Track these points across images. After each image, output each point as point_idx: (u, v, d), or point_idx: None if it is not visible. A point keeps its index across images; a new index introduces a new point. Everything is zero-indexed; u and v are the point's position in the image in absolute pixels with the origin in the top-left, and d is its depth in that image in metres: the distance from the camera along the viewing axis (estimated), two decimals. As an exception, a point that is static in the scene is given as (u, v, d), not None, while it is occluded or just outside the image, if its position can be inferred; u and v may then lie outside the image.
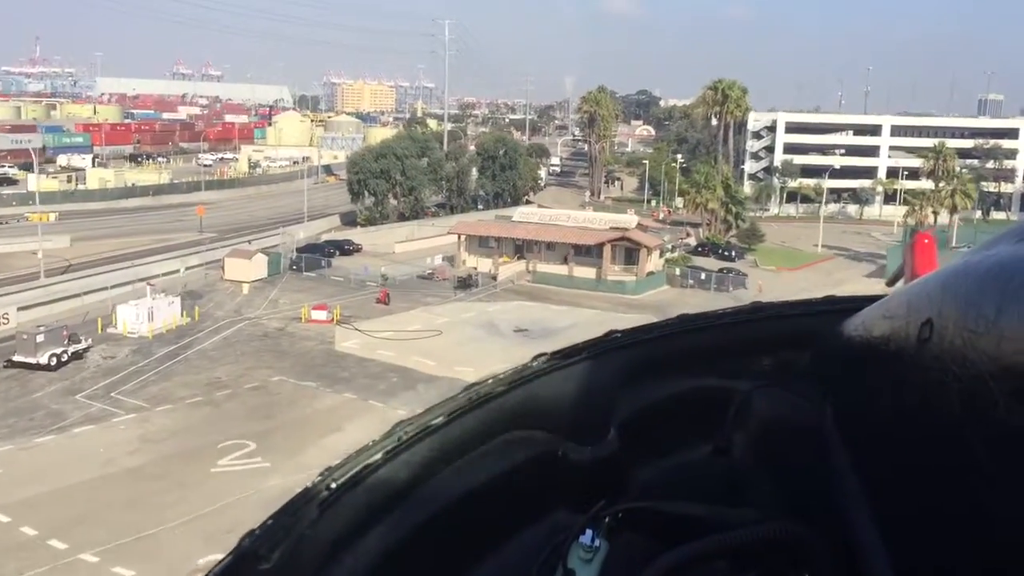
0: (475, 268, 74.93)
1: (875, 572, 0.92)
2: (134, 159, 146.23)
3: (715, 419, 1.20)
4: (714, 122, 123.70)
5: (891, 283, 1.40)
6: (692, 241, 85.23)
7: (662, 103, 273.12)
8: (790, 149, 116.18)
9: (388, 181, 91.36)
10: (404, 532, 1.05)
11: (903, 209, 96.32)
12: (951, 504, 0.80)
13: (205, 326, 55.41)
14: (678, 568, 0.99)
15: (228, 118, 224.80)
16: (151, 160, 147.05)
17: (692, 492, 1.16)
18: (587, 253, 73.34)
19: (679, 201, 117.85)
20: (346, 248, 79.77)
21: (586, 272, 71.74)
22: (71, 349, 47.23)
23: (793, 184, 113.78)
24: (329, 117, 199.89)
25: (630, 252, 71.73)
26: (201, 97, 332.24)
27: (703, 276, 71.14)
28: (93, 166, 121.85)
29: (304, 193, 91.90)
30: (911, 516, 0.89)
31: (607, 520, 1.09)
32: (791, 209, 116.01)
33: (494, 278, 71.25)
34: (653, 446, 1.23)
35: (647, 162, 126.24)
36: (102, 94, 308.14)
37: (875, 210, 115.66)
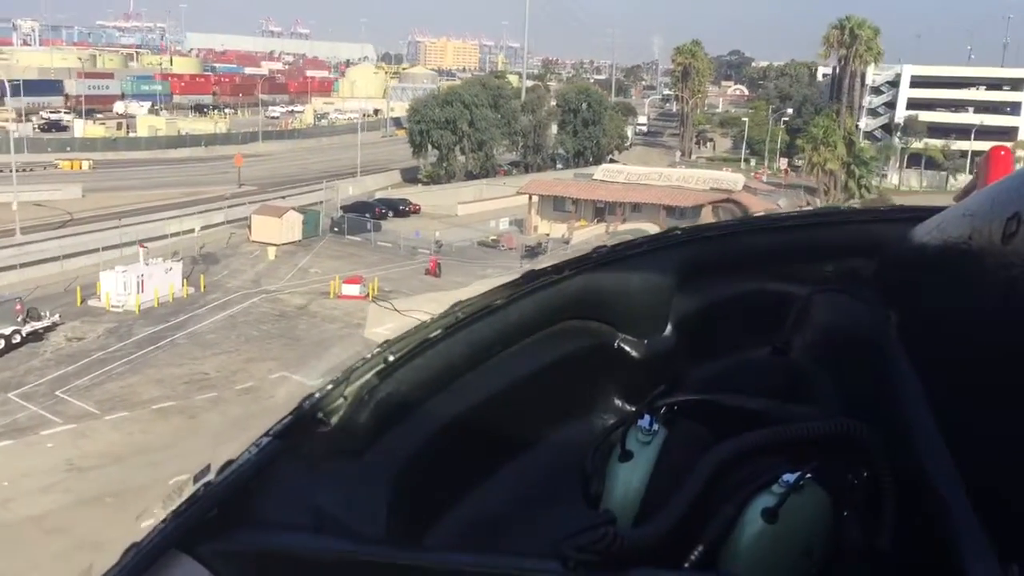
0: (547, 235, 62.37)
1: (934, 472, 0.88)
2: (199, 109, 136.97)
3: (775, 321, 1.17)
4: (829, 70, 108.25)
5: (960, 198, 1.32)
6: (808, 207, 70.95)
7: (754, 64, 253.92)
8: (914, 105, 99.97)
9: (454, 133, 79.01)
10: (460, 408, 1.03)
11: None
12: (1019, 406, 0.75)
13: (210, 300, 44.22)
14: (737, 456, 0.98)
15: (309, 73, 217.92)
16: (218, 111, 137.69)
17: (751, 388, 1.12)
18: (682, 216, 60.08)
19: (782, 162, 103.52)
20: (401, 208, 67.95)
21: (681, 243, 58.70)
22: (26, 328, 36.44)
23: (917, 145, 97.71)
24: (404, 69, 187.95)
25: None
26: (287, 54, 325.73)
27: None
28: (150, 113, 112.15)
29: (365, 146, 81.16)
30: (974, 420, 0.85)
31: (664, 409, 1.07)
32: (913, 179, 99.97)
33: (567, 242, 58.64)
34: (711, 343, 1.20)
35: (746, 119, 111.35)
36: (191, 49, 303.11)
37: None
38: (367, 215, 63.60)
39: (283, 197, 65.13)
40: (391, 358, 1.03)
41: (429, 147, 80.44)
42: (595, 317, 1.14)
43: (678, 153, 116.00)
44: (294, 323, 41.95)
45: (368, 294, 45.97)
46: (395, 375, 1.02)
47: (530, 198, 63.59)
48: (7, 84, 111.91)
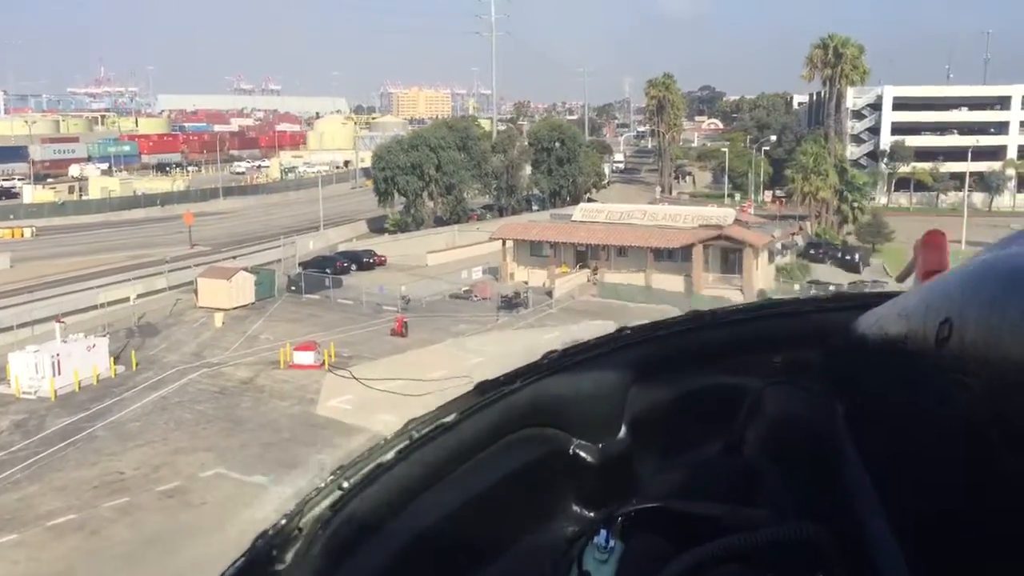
0: (525, 283, 56.90)
1: (889, 572, 0.90)
2: (161, 168, 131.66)
3: (727, 417, 1.19)
4: (805, 98, 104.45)
5: (901, 279, 1.36)
6: (800, 240, 65.72)
7: (726, 98, 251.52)
8: (898, 129, 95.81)
9: (421, 178, 73.73)
10: (418, 532, 1.03)
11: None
12: (966, 505, 0.79)
13: (142, 379, 38.31)
14: (694, 570, 0.98)
15: (280, 127, 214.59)
16: (181, 168, 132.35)
17: (705, 491, 1.14)
18: (671, 258, 54.87)
19: (767, 194, 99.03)
20: (365, 261, 62.36)
21: (671, 282, 53.29)
22: (-90, 427, 30.50)
23: (905, 169, 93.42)
24: (374, 119, 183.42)
25: (729, 255, 53.06)
26: (259, 110, 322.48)
27: (832, 292, 51.80)
28: (104, 175, 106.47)
29: (332, 199, 75.85)
30: (925, 516, 0.87)
31: (620, 520, 1.07)
32: (901, 199, 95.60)
33: (549, 294, 53.21)
34: (665, 444, 1.22)
35: (726, 150, 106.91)
36: (162, 111, 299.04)
37: (1006, 199, 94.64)
38: (328, 270, 57.96)
39: (234, 257, 59.38)
40: (345, 485, 0.99)
41: (395, 194, 75.09)
42: (549, 424, 1.14)
43: (658, 189, 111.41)
44: (236, 401, 36.08)
45: (323, 362, 40.27)
46: (350, 504, 0.98)
47: (504, 243, 58.21)
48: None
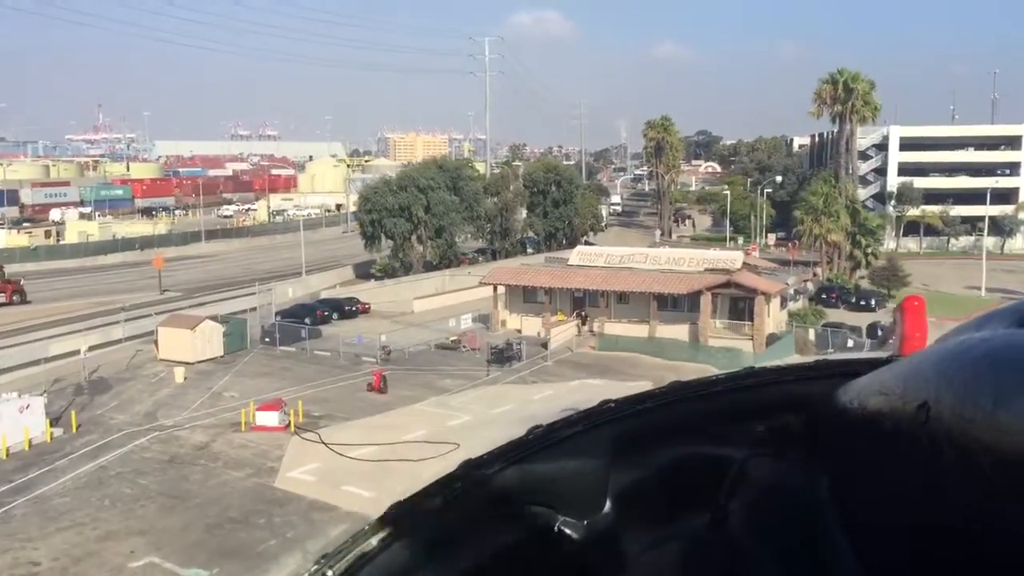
0: (518, 331, 52.50)
1: None
2: (147, 212, 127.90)
3: (712, 489, 1.19)
4: (806, 140, 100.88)
5: (882, 343, 1.37)
6: (811, 285, 61.41)
7: (723, 142, 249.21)
8: (905, 171, 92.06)
9: (409, 220, 69.54)
10: None
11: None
12: None
13: (81, 444, 33.67)
14: None
15: (275, 171, 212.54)
16: (167, 212, 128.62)
17: (691, 567, 1.15)
18: (675, 306, 50.53)
19: (770, 238, 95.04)
20: (347, 308, 57.98)
21: (676, 332, 48.95)
22: None
23: (914, 212, 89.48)
24: (367, 162, 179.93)
25: (739, 303, 48.72)
26: (254, 155, 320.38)
27: (849, 340, 47.32)
28: (83, 219, 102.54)
29: (321, 243, 71.72)
30: None
31: None
32: (910, 244, 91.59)
33: (544, 345, 48.76)
34: (651, 518, 1.22)
35: (727, 192, 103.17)
36: (159, 157, 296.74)
37: (1018, 242, 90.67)
38: (306, 320, 53.55)
39: (202, 304, 55.02)
40: (328, 574, 0.98)
41: (383, 238, 70.87)
42: (534, 502, 1.13)
43: (658, 232, 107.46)
44: (185, 472, 31.39)
45: (289, 423, 35.68)
46: None
47: (495, 289, 53.84)
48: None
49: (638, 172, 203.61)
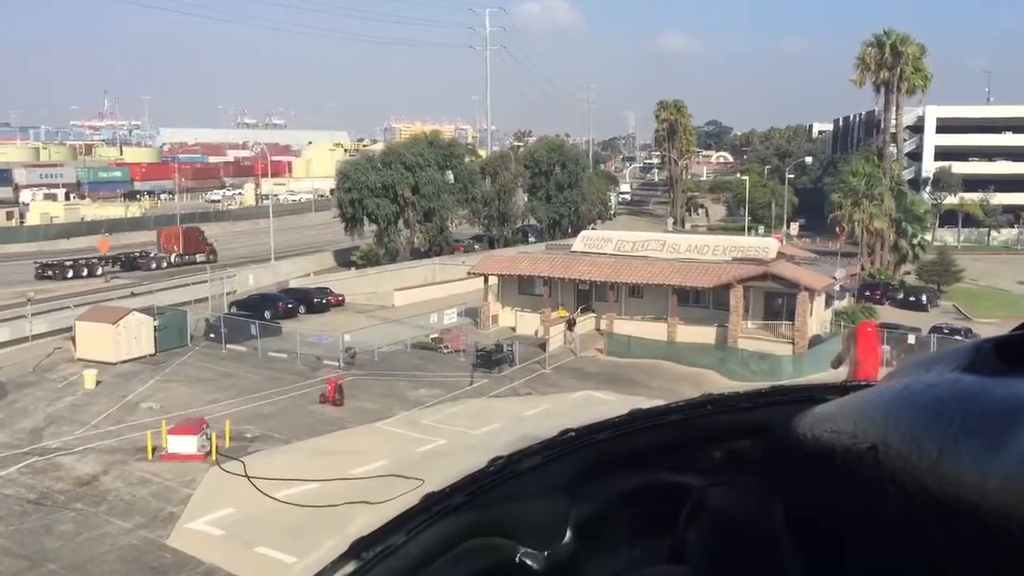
0: (512, 330, 44.23)
1: None
2: (131, 196, 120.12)
3: (670, 518, 1.20)
4: (828, 126, 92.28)
5: (835, 365, 1.43)
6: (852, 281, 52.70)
7: (735, 132, 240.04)
8: (941, 155, 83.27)
9: (395, 201, 61.15)
10: None
11: None
12: None
13: (-71, 476, 25.42)
14: None
15: (276, 158, 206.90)
16: (151, 196, 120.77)
17: None
18: (699, 302, 42.15)
19: (793, 227, 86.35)
20: (316, 301, 49.60)
21: (699, 334, 40.50)
22: None
23: (952, 200, 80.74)
24: (365, 146, 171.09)
25: (776, 299, 40.24)
26: (258, 143, 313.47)
27: (911, 341, 38.70)
28: (67, 199, 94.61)
29: (307, 228, 63.50)
30: None
31: None
32: (947, 236, 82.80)
33: (542, 346, 40.36)
34: (610, 548, 1.22)
35: (746, 178, 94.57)
36: (162, 144, 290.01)
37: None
38: (266, 313, 45.32)
39: (148, 292, 46.81)
40: None
41: (366, 221, 62.51)
42: (496, 534, 1.13)
43: (670, 221, 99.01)
44: (53, 520, 23.14)
45: (210, 450, 27.43)
46: None
47: (485, 280, 45.44)
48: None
49: (648, 162, 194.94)
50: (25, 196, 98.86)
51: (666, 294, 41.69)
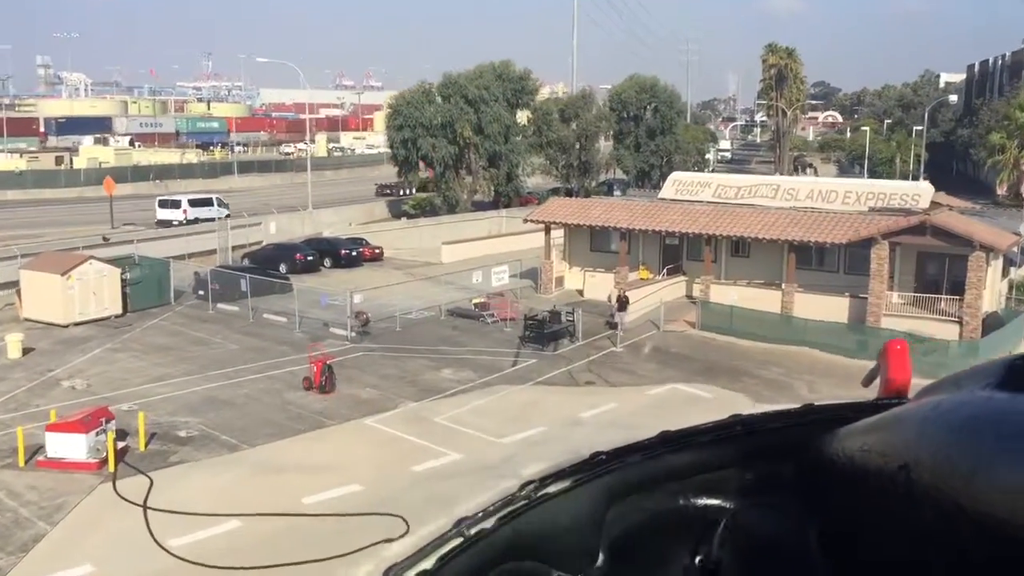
0: (580, 294, 34.44)
1: None
2: (204, 147, 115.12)
3: (704, 538, 1.20)
4: (958, 77, 79.21)
5: (867, 383, 1.40)
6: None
7: (843, 92, 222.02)
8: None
9: (453, 142, 51.61)
10: None
11: None
12: None
13: None
14: None
15: (366, 117, 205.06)
16: (224, 147, 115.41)
17: None
18: (823, 263, 31.51)
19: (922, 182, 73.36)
20: (345, 252, 40.65)
21: (825, 307, 29.72)
22: None
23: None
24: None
25: (933, 262, 29.27)
26: (353, 104, 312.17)
27: None
28: (114, 144, 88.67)
29: (371, 180, 54.57)
30: None
31: None
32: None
33: (613, 319, 30.19)
34: (644, 569, 1.21)
35: (866, 129, 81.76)
36: (262, 104, 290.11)
37: None
38: (281, 266, 36.66)
39: (149, 240, 38.67)
40: None
41: (420, 164, 53.23)
42: (528, 557, 1.10)
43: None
44: None
45: (106, 456, 18.62)
46: None
47: (547, 231, 35.55)
48: (54, 122, 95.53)
49: (750, 120, 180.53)
50: (87, 142, 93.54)
51: (780, 252, 31.11)
